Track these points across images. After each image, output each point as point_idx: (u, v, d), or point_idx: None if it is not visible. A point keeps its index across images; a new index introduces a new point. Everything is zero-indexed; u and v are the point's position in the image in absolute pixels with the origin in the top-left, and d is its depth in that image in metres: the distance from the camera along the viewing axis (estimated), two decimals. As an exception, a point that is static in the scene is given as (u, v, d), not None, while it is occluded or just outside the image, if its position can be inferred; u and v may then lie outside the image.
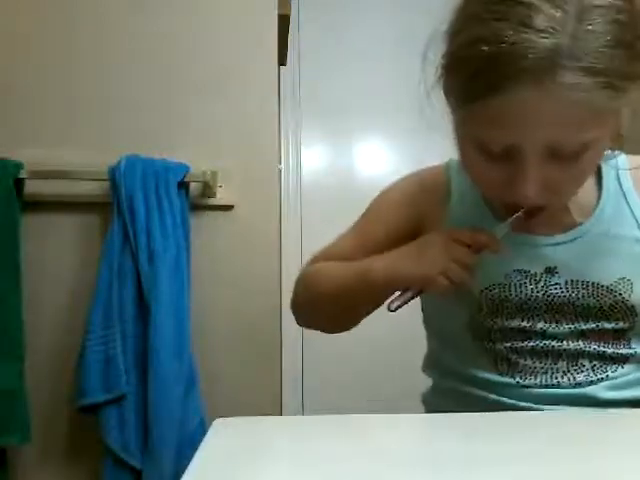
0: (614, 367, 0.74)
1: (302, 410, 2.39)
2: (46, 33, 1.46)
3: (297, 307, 0.88)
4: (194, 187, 1.46)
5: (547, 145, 0.62)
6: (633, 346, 0.74)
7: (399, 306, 0.71)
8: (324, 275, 0.83)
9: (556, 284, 0.74)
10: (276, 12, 1.53)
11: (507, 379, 0.75)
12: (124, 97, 1.47)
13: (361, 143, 2.58)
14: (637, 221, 0.76)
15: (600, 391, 0.72)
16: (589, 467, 0.45)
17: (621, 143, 0.72)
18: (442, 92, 0.68)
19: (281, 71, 1.94)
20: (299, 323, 0.90)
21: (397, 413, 0.62)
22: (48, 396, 1.39)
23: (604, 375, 0.73)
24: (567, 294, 0.74)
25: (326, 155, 2.57)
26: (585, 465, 0.46)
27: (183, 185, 1.41)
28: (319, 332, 0.89)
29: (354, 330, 0.86)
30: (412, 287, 0.72)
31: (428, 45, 0.68)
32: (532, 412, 0.70)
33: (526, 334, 0.75)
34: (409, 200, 0.85)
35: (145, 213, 1.34)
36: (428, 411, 0.86)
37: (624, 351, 0.74)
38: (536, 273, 0.75)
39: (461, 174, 0.83)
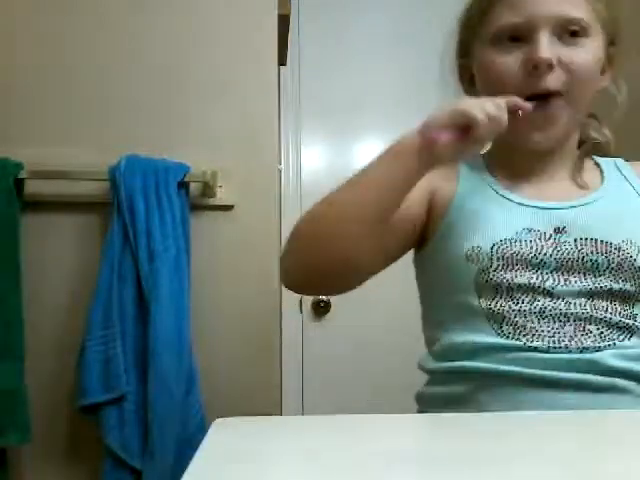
0: (621, 337, 0.75)
1: (302, 410, 2.39)
2: (46, 33, 1.46)
3: (296, 252, 0.78)
4: (194, 187, 1.46)
5: (554, 22, 0.77)
6: (639, 320, 0.76)
7: (442, 139, 0.71)
8: (332, 193, 0.79)
9: (566, 241, 0.77)
10: (276, 12, 1.52)
11: (513, 342, 0.75)
12: (124, 97, 1.47)
13: (361, 143, 2.58)
14: (638, 193, 0.83)
15: (608, 358, 0.73)
16: (590, 467, 0.45)
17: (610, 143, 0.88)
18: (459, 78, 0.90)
19: (281, 71, 1.94)
20: (295, 280, 0.80)
21: (397, 413, 0.63)
22: (48, 396, 1.39)
23: (611, 342, 0.74)
24: (577, 250, 0.77)
25: (326, 155, 2.57)
26: (586, 465, 0.46)
27: (183, 185, 1.41)
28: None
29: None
30: (451, 125, 0.71)
31: (447, 39, 0.88)
32: (532, 412, 0.70)
33: (534, 294, 0.76)
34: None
35: (145, 213, 1.34)
36: (421, 409, 0.86)
37: (630, 322, 0.76)
38: (545, 232, 0.78)
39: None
